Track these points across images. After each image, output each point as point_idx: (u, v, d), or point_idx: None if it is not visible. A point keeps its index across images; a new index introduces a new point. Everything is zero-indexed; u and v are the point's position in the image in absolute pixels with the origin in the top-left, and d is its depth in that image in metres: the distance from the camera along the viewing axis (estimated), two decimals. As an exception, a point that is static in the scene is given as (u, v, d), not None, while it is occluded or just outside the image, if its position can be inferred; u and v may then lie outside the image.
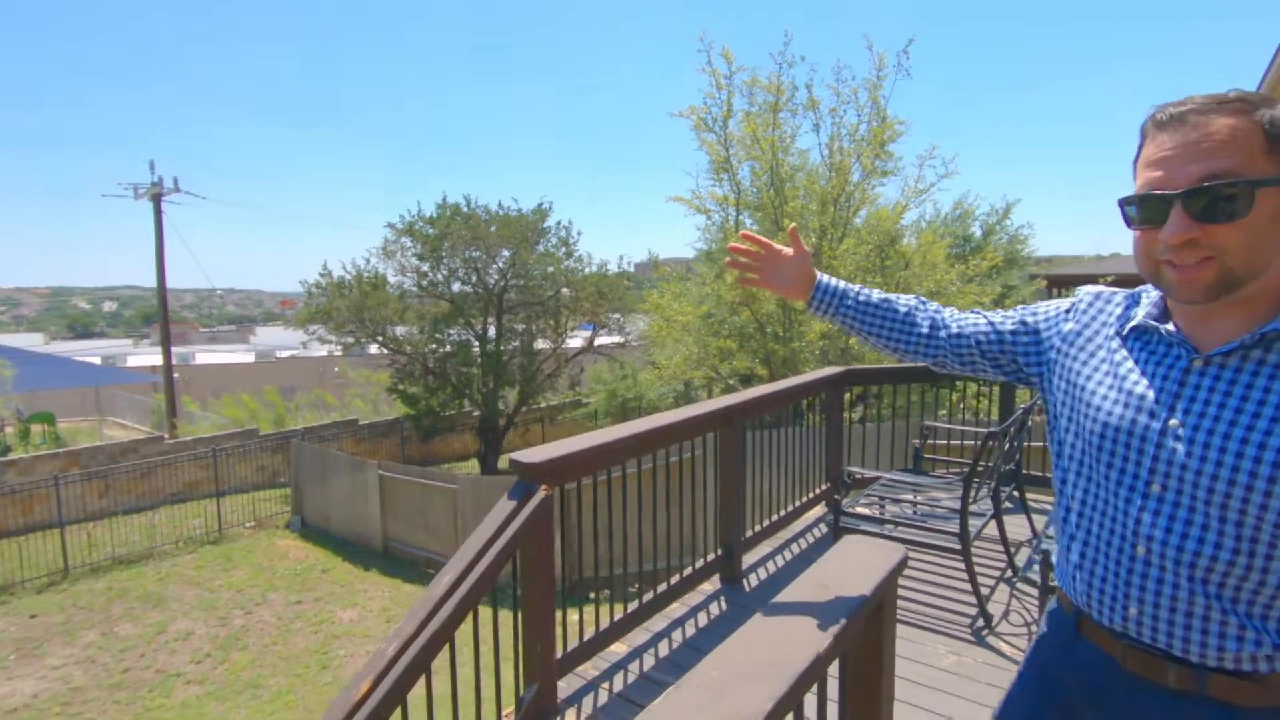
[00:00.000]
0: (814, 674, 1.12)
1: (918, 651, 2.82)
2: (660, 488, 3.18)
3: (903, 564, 1.48)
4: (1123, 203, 0.98)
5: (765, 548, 3.87)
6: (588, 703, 2.57)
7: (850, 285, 1.42)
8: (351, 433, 18.97)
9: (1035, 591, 3.18)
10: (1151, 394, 0.99)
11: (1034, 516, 4.01)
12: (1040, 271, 14.10)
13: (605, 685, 2.66)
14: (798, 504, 4.23)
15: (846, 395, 4.62)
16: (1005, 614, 3.12)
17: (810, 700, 1.23)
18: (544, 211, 18.17)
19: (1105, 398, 1.05)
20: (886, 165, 8.74)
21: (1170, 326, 1.01)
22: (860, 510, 3.60)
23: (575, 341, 20.62)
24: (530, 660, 2.40)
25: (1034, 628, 2.96)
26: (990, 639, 2.91)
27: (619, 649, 2.87)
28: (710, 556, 3.42)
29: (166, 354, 19.22)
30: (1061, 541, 1.16)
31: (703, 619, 3.15)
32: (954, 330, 1.32)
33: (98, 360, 32.70)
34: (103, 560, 11.99)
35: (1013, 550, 3.49)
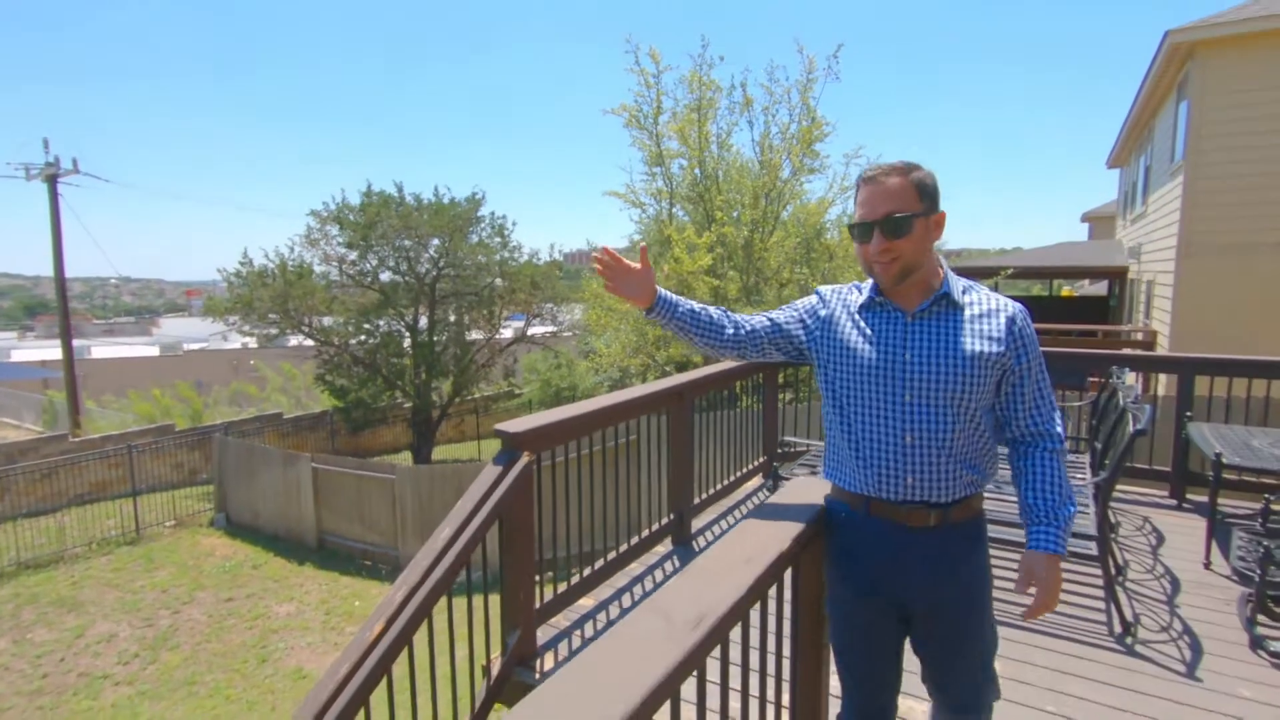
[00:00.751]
0: (778, 566, 1.47)
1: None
2: (611, 469, 3.47)
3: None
4: (850, 227, 1.63)
5: (711, 514, 4.25)
6: (563, 647, 2.87)
7: (681, 299, 1.85)
8: (275, 427, 18.33)
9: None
10: (891, 342, 1.62)
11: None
12: (953, 265, 15.20)
13: (577, 632, 2.97)
14: (738, 475, 4.64)
15: (780, 377, 5.06)
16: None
17: (770, 606, 1.58)
18: (477, 200, 18.05)
19: (864, 350, 1.64)
20: (814, 164, 9.31)
21: (883, 300, 1.65)
22: (797, 475, 4.02)
23: (509, 332, 20.60)
24: (513, 609, 2.67)
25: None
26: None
27: (586, 602, 3.17)
28: (664, 521, 3.76)
29: (67, 346, 17.99)
30: (842, 453, 1.70)
31: (659, 575, 3.49)
32: (748, 329, 1.82)
33: (-22, 355, 30.02)
34: (6, 566, 11.27)
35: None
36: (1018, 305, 1.61)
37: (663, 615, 1.15)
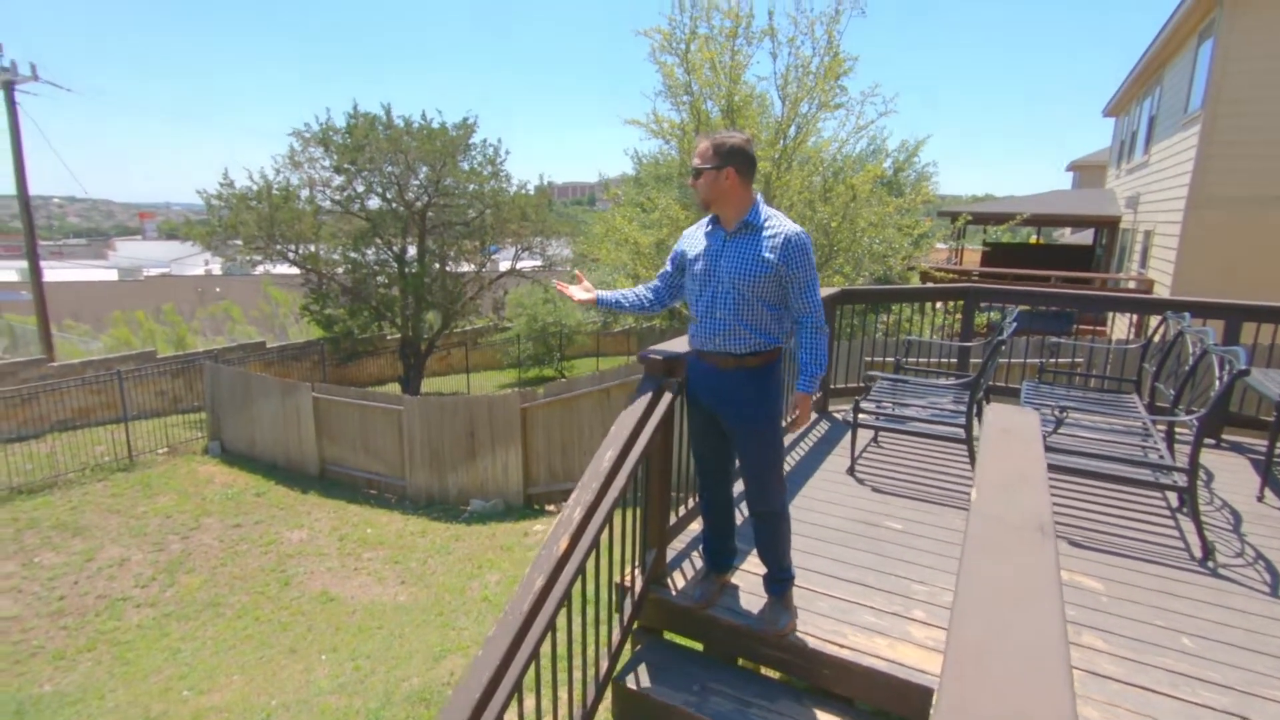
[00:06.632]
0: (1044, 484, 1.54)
1: (936, 519, 3.42)
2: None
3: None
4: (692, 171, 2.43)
5: (786, 440, 4.35)
6: (687, 566, 2.98)
7: (614, 292, 2.66)
8: (260, 356, 17.96)
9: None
10: (714, 250, 2.43)
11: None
12: (948, 208, 15.30)
13: (694, 553, 3.08)
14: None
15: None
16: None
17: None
18: (470, 126, 17.35)
19: (697, 258, 2.47)
20: (840, 99, 9.14)
21: (716, 226, 2.47)
22: (867, 408, 4.13)
23: (500, 264, 20.25)
24: (651, 530, 2.75)
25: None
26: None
27: (695, 526, 3.27)
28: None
29: (34, 267, 17.14)
30: (692, 326, 2.52)
31: (751, 502, 3.61)
32: (661, 293, 2.66)
33: (-77, 275, 28.40)
34: (-1, 490, 11.06)
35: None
36: (797, 229, 2.38)
37: (1005, 525, 1.22)
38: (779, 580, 2.61)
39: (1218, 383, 3.08)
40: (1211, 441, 4.60)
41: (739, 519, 3.11)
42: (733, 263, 2.37)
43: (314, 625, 7.32)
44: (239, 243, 16.10)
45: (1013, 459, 1.59)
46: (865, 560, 3.05)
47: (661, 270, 2.66)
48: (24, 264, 20.46)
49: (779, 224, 2.38)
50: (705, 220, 2.54)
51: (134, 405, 14.29)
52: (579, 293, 2.60)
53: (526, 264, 20.29)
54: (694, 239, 2.53)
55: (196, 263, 39.06)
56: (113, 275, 40.26)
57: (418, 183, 17.20)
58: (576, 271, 2.60)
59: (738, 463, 2.59)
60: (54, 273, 39.73)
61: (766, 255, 2.33)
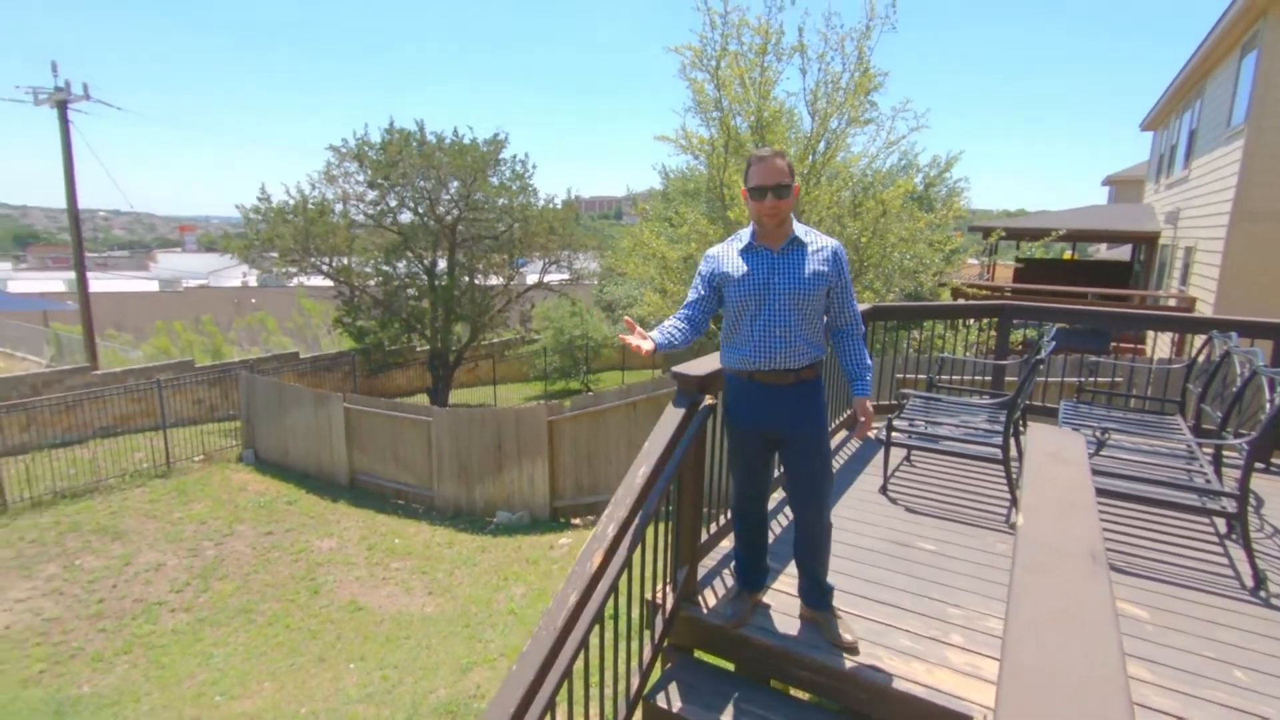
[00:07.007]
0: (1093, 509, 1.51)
1: (971, 540, 3.35)
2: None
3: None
4: (749, 190, 2.41)
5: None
6: (718, 584, 2.96)
7: (662, 329, 2.48)
8: (293, 366, 18.34)
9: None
10: (764, 269, 2.40)
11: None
12: (980, 223, 15.11)
13: (725, 571, 3.06)
14: (831, 426, 4.69)
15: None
16: (1031, 512, 3.71)
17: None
18: (500, 142, 17.63)
19: (745, 279, 2.41)
20: (869, 114, 9.10)
21: (757, 244, 2.44)
22: (900, 426, 4.07)
23: (528, 278, 20.46)
24: (683, 547, 2.74)
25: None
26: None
27: (726, 544, 3.25)
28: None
29: (81, 279, 17.75)
30: (738, 349, 2.46)
31: (783, 519, 3.57)
32: (696, 318, 2.51)
33: (-25, 285, 29.56)
34: (43, 494, 11.39)
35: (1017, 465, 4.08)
36: (836, 241, 2.48)
37: (1056, 551, 1.19)
38: (827, 593, 2.62)
39: (1268, 405, 2.99)
40: (1261, 466, 4.44)
41: (770, 537, 3.08)
42: (789, 280, 2.37)
43: (343, 634, 7.39)
44: (275, 255, 16.52)
45: (1061, 483, 1.56)
46: (899, 582, 2.99)
47: (694, 297, 2.52)
48: (71, 275, 21.20)
49: (818, 237, 2.45)
50: (735, 239, 2.49)
51: (172, 413, 14.68)
52: (640, 342, 2.33)
53: (554, 277, 20.49)
54: (731, 260, 2.45)
55: (234, 274, 40.20)
56: (154, 286, 41.59)
57: (449, 197, 17.52)
58: (626, 319, 2.45)
59: (786, 478, 2.59)
60: (98, 283, 41.16)
61: (821, 269, 2.39)
